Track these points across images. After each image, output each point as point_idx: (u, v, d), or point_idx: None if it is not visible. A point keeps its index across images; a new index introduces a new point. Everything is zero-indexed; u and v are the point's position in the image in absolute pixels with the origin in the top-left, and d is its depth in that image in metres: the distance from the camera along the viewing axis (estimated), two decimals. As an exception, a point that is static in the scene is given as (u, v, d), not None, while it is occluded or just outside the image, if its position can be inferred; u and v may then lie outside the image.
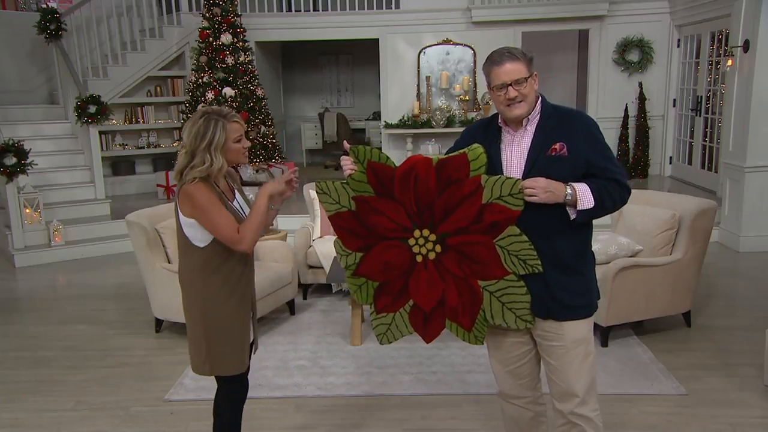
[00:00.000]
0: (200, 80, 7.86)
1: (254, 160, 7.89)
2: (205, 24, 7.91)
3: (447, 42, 9.12)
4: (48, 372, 4.01)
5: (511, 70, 2.12)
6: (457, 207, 2.17)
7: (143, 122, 9.10)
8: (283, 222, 6.24)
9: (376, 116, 10.85)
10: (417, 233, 2.25)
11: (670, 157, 8.90)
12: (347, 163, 2.26)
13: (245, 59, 8.01)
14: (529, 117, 2.19)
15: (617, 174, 2.18)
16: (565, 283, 2.20)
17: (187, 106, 8.06)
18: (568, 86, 10.52)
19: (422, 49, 9.14)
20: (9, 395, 3.70)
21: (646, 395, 3.46)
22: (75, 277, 6.13)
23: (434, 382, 3.68)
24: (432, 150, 8.40)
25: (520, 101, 2.14)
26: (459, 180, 2.15)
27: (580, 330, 2.25)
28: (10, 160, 6.33)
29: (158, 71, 8.96)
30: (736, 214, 6.26)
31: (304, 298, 5.14)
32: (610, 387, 3.53)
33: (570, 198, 2.11)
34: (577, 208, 2.12)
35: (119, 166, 9.04)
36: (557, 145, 2.14)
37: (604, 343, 4.05)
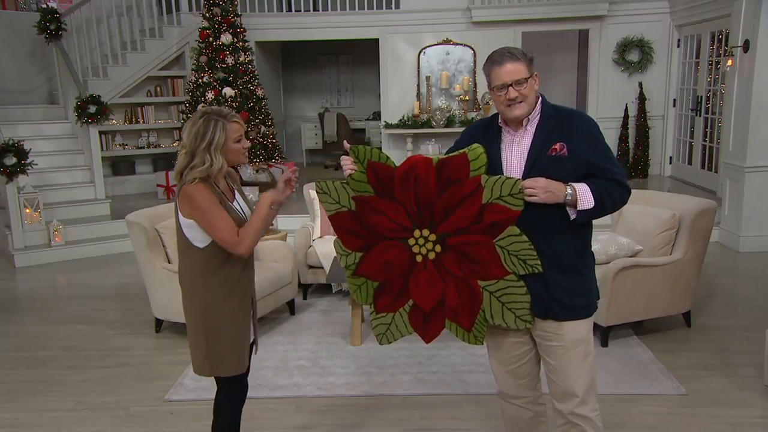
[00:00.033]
0: (200, 80, 7.86)
1: (254, 160, 7.89)
2: (205, 24, 7.91)
3: (447, 42, 9.12)
4: (48, 372, 4.01)
5: (512, 70, 2.12)
6: (457, 207, 2.17)
7: (143, 122, 9.10)
8: (283, 222, 6.24)
9: (376, 116, 10.85)
10: (417, 233, 2.25)
11: (670, 157, 8.90)
12: (347, 163, 2.26)
13: (245, 59, 8.02)
14: (530, 117, 2.19)
15: (617, 174, 2.18)
16: (564, 283, 2.20)
17: (187, 106, 8.06)
18: (568, 86, 10.52)
19: (422, 49, 9.14)
20: (9, 395, 3.70)
21: (646, 395, 3.46)
22: (75, 277, 6.13)
23: (434, 382, 3.68)
24: (432, 150, 8.40)
25: (521, 102, 2.14)
26: (459, 180, 2.15)
27: (579, 330, 2.26)
28: (10, 160, 6.33)
29: (158, 71, 8.96)
30: (736, 214, 6.26)
31: (304, 298, 5.14)
32: (610, 387, 3.53)
33: (570, 198, 2.11)
34: (577, 209, 2.12)
35: (119, 166, 9.04)
36: (557, 146, 2.14)
37: (604, 343, 4.05)
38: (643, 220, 4.34)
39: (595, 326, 3.72)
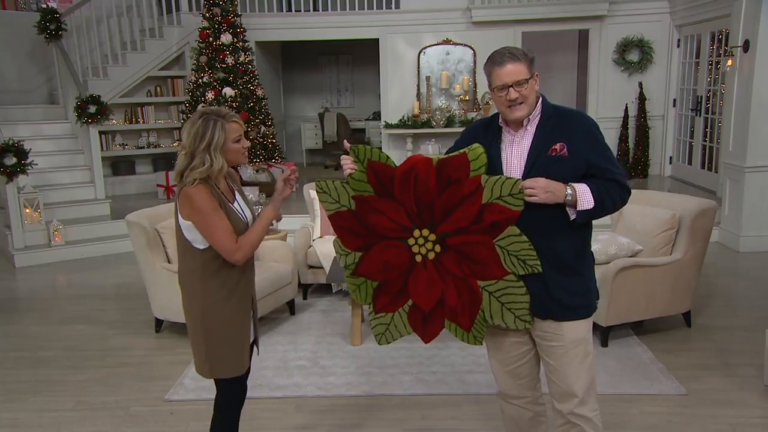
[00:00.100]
0: (200, 80, 7.87)
1: (254, 160, 7.90)
2: (205, 24, 7.92)
3: (447, 42, 9.12)
4: (48, 372, 4.01)
5: (513, 71, 2.12)
6: (457, 207, 2.17)
7: (143, 122, 9.10)
8: (283, 222, 6.20)
9: (376, 116, 10.85)
10: (417, 233, 2.25)
11: (670, 157, 8.90)
12: (347, 163, 2.26)
13: (245, 59, 8.02)
14: (530, 117, 2.19)
15: (617, 174, 2.18)
16: (564, 284, 2.20)
17: (187, 106, 8.06)
18: (568, 86, 10.52)
19: (422, 49, 9.15)
20: (9, 395, 3.70)
21: (646, 395, 3.46)
22: (75, 277, 6.13)
23: (434, 382, 3.68)
24: (432, 150, 8.40)
25: (521, 103, 2.14)
26: (459, 180, 2.15)
27: (579, 330, 2.25)
28: (10, 160, 6.33)
29: (158, 71, 8.96)
30: (736, 214, 6.26)
31: (304, 298, 5.14)
32: (610, 387, 3.53)
33: (570, 198, 2.11)
34: (577, 209, 2.12)
35: (119, 166, 9.04)
36: (557, 146, 2.14)
37: (604, 343, 4.05)
38: (643, 220, 4.34)
39: (595, 326, 3.73)
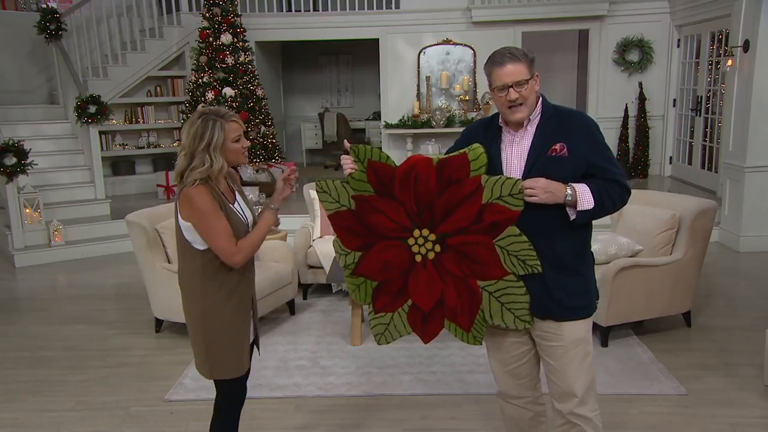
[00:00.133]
0: (200, 80, 7.87)
1: (254, 160, 7.89)
2: (205, 24, 7.91)
3: (447, 42, 9.12)
4: (48, 372, 4.01)
5: (513, 71, 2.12)
6: (458, 207, 2.17)
7: (143, 122, 9.10)
8: (283, 222, 6.17)
9: (376, 116, 10.85)
10: (416, 233, 2.25)
11: (670, 157, 8.90)
12: (347, 162, 2.26)
13: (245, 59, 8.02)
14: (530, 117, 2.19)
15: (617, 175, 2.18)
16: (564, 284, 2.20)
17: (187, 106, 8.06)
18: (568, 86, 10.52)
19: (422, 49, 9.14)
20: (9, 395, 3.70)
21: (646, 395, 3.46)
22: (75, 277, 6.13)
23: (434, 382, 3.68)
24: (432, 150, 8.40)
25: (521, 104, 2.14)
26: (459, 180, 2.15)
27: (578, 330, 2.25)
28: (10, 160, 6.33)
29: (158, 71, 8.96)
30: (736, 214, 6.26)
31: (304, 298, 5.14)
32: (610, 387, 3.53)
33: (570, 199, 2.11)
34: (577, 209, 2.12)
35: (119, 166, 9.04)
36: (557, 146, 2.14)
37: (604, 343, 4.05)
38: (643, 220, 4.34)
39: (595, 326, 3.73)
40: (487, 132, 2.27)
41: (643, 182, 8.43)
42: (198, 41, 8.07)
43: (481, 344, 2.34)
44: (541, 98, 2.22)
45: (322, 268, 4.97)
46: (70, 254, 6.72)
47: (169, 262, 4.34)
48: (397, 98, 9.32)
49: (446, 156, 2.20)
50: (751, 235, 6.18)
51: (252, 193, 5.99)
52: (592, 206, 2.12)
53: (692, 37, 8.29)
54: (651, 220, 4.29)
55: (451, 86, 9.15)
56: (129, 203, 7.74)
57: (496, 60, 2.15)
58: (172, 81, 9.25)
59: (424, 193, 2.19)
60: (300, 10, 9.70)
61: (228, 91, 7.74)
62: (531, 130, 2.20)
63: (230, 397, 2.53)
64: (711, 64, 7.78)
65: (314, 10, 9.57)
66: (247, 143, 2.44)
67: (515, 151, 2.20)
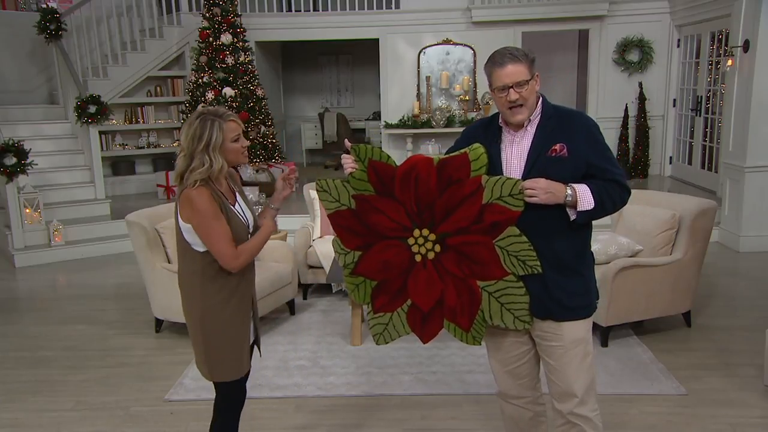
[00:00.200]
0: (200, 80, 7.87)
1: (254, 160, 7.89)
2: (205, 24, 7.92)
3: (447, 42, 9.12)
4: (48, 372, 4.01)
5: (513, 72, 2.11)
6: (458, 207, 2.17)
7: (143, 122, 9.10)
8: (283, 222, 6.23)
9: (376, 116, 10.85)
10: (416, 233, 2.25)
11: (670, 157, 8.90)
12: (348, 162, 2.26)
13: (245, 59, 8.02)
14: (530, 117, 2.19)
15: (617, 175, 2.18)
16: (564, 284, 2.20)
17: (187, 106, 8.06)
18: (568, 86, 10.52)
19: (422, 49, 9.14)
20: (9, 395, 3.70)
21: (646, 395, 3.46)
22: (75, 277, 6.13)
23: (434, 382, 3.68)
24: (432, 150, 8.41)
25: (521, 105, 2.14)
26: (460, 180, 2.15)
27: (578, 330, 2.25)
28: (10, 160, 6.33)
29: (158, 71, 8.96)
30: (736, 214, 6.26)
31: (304, 298, 5.14)
32: (610, 387, 3.53)
33: (570, 199, 2.11)
34: (577, 209, 2.12)
35: (119, 166, 9.04)
36: (557, 146, 2.14)
37: (604, 343, 4.05)
38: (643, 220, 4.34)
39: (595, 326, 3.73)
40: (487, 132, 2.26)
41: (643, 182, 8.43)
42: (198, 41, 8.07)
43: (481, 344, 2.34)
44: (541, 98, 2.22)
45: (322, 268, 4.97)
46: (70, 254, 6.72)
47: (169, 262, 4.34)
48: (397, 98, 9.32)
49: (447, 156, 2.20)
50: (751, 235, 6.18)
51: (252, 193, 5.99)
52: (592, 206, 2.12)
53: (692, 37, 8.29)
54: (651, 220, 4.29)
55: (451, 86, 9.15)
56: (129, 203, 7.74)
57: (496, 60, 2.15)
58: (172, 81, 9.25)
59: (424, 193, 2.19)
60: (300, 10, 9.70)
61: (228, 91, 7.74)
62: (531, 130, 2.20)
63: (230, 398, 2.53)
64: (711, 64, 7.78)
65: (314, 10, 9.58)
66: (247, 143, 2.43)
67: (515, 151, 2.20)
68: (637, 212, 4.38)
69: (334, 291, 5.29)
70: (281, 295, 4.65)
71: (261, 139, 8.01)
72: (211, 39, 7.86)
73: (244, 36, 8.12)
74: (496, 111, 2.26)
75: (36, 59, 8.57)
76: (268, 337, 4.38)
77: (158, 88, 9.21)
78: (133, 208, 4.72)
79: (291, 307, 4.84)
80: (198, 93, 7.85)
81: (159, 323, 4.56)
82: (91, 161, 7.59)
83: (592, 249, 2.34)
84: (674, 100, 8.74)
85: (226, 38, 7.82)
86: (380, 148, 2.26)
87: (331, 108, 11.67)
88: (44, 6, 8.02)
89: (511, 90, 2.12)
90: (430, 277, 2.26)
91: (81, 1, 8.20)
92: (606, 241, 4.23)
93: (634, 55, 8.75)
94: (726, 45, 7.01)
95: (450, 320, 2.30)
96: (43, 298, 5.61)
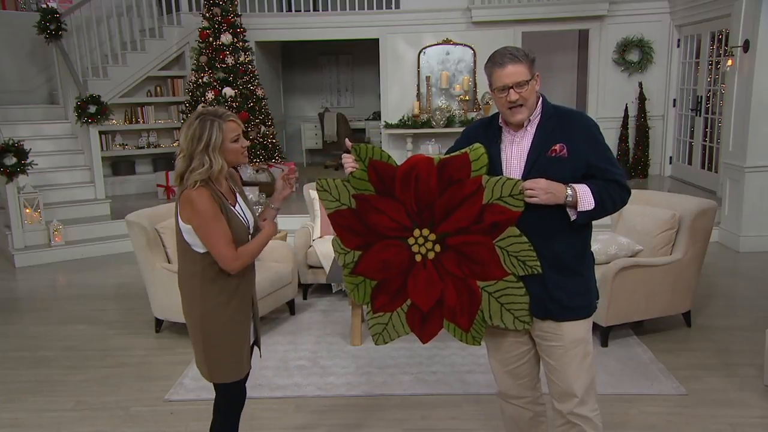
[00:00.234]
0: (200, 80, 7.87)
1: (254, 160, 7.89)
2: (205, 24, 7.92)
3: (447, 42, 9.12)
4: (48, 372, 4.01)
5: (513, 72, 2.11)
6: (458, 207, 2.17)
7: (143, 122, 9.10)
8: (283, 222, 6.23)
9: (376, 116, 10.85)
10: (417, 232, 2.25)
11: (670, 157, 8.90)
12: (349, 161, 2.26)
13: (245, 59, 8.02)
14: (530, 117, 2.19)
15: (617, 175, 2.18)
16: (563, 284, 2.20)
17: (187, 106, 8.06)
18: (568, 86, 10.52)
19: (422, 49, 9.15)
20: (9, 395, 3.70)
21: (646, 395, 3.46)
22: (75, 277, 6.13)
23: (434, 382, 3.68)
24: (432, 150, 8.41)
25: (521, 105, 2.13)
26: (460, 180, 2.15)
27: (578, 330, 2.25)
28: (10, 160, 6.33)
29: (158, 71, 8.96)
30: (736, 214, 6.26)
31: (304, 298, 5.14)
32: (610, 387, 3.53)
33: (570, 199, 2.11)
34: (578, 210, 2.12)
35: (119, 166, 9.04)
36: (557, 147, 2.14)
37: (604, 343, 4.05)
38: (643, 220, 4.34)
39: (595, 326, 3.73)
40: (487, 132, 2.26)
41: (643, 182, 8.43)
42: (198, 41, 8.07)
43: (480, 344, 2.34)
44: (541, 98, 2.22)
45: (322, 268, 4.97)
46: (70, 254, 6.72)
47: (169, 262, 4.34)
48: (397, 98, 9.32)
49: (447, 156, 2.20)
50: (751, 235, 6.18)
51: (252, 193, 5.99)
52: (592, 207, 2.12)
53: (692, 37, 8.29)
54: (651, 220, 4.29)
55: (451, 86, 9.15)
56: (129, 203, 7.74)
57: (496, 60, 2.14)
58: (172, 81, 9.25)
59: (424, 193, 2.19)
60: (300, 10, 9.70)
61: (228, 91, 7.74)
62: (531, 130, 2.20)
63: (230, 399, 2.52)
64: (711, 64, 7.78)
65: (314, 10, 9.58)
66: (247, 143, 2.42)
67: (515, 151, 2.20)
68: (637, 212, 4.38)
69: (334, 291, 5.29)
70: (281, 295, 4.65)
71: (261, 139, 8.01)
72: (211, 39, 7.86)
73: (244, 36, 8.12)
74: (496, 111, 2.26)
75: (36, 59, 8.57)
76: (268, 337, 4.38)
77: (158, 88, 9.21)
78: (133, 208, 4.72)
79: (291, 307, 4.84)
80: (198, 93, 7.85)
81: (159, 323, 4.56)
82: (91, 161, 7.59)
83: (592, 249, 2.34)
84: (674, 100, 8.74)
85: (226, 38, 7.82)
86: (380, 147, 2.26)
87: (331, 108, 11.67)
88: (44, 6, 8.02)
89: (511, 90, 2.11)
90: (430, 277, 2.26)
91: (81, 1, 8.20)
92: (606, 241, 4.23)
93: (634, 55, 8.75)
94: (726, 45, 7.01)
95: (450, 320, 2.30)
96: (43, 298, 5.61)
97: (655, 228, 4.23)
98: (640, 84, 8.72)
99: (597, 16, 8.70)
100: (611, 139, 8.63)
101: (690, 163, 8.40)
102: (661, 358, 3.88)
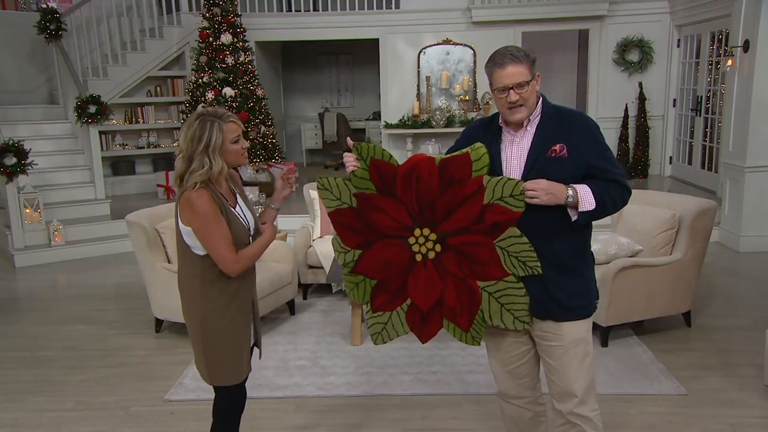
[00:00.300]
0: (200, 80, 7.87)
1: (254, 160, 7.89)
2: (205, 24, 7.92)
3: (447, 42, 9.12)
4: (48, 372, 4.01)
5: (513, 73, 2.11)
6: (459, 207, 2.17)
7: (143, 122, 9.10)
8: (283, 222, 6.23)
9: (376, 116, 10.86)
10: (417, 232, 2.25)
11: (670, 157, 8.90)
12: (350, 160, 2.25)
13: (245, 59, 8.02)
14: (530, 117, 2.19)
15: (617, 175, 2.18)
16: (563, 284, 2.19)
17: (187, 106, 8.06)
18: (568, 86, 10.52)
19: (422, 49, 9.15)
20: (9, 395, 3.70)
21: (646, 395, 3.46)
22: (75, 277, 6.13)
23: (434, 382, 3.68)
24: (432, 150, 8.41)
25: (521, 105, 2.13)
26: (461, 180, 2.15)
27: (578, 330, 2.25)
28: (10, 160, 6.33)
29: (158, 71, 8.96)
30: (736, 214, 6.26)
31: (304, 298, 5.14)
32: (610, 387, 3.53)
33: (571, 200, 2.11)
34: (579, 210, 2.12)
35: (119, 166, 9.04)
36: (557, 147, 2.14)
37: (604, 343, 4.05)
38: (643, 220, 4.34)
39: (595, 326, 3.73)
40: (487, 132, 2.26)
41: (643, 182, 8.43)
42: (198, 41, 8.07)
43: (480, 344, 2.34)
44: (541, 98, 2.22)
45: (322, 268, 4.97)
46: (70, 254, 6.72)
47: (169, 262, 4.34)
48: (397, 98, 9.32)
49: (449, 155, 2.20)
50: (751, 235, 6.18)
51: (252, 193, 5.99)
52: (593, 207, 2.12)
53: (692, 37, 8.29)
54: (651, 220, 4.29)
55: (451, 86, 9.15)
56: (129, 203, 7.74)
57: (497, 61, 2.14)
58: (172, 81, 9.25)
59: (426, 193, 2.18)
60: (300, 10, 9.70)
61: (228, 91, 7.74)
62: (531, 130, 2.20)
63: (230, 402, 2.51)
64: (711, 64, 7.78)
65: (314, 10, 9.58)
66: (247, 144, 2.40)
67: (515, 151, 2.20)
68: (637, 212, 4.38)
69: (334, 291, 5.29)
70: (281, 295, 4.65)
71: (261, 139, 8.01)
72: (211, 39, 7.86)
73: (244, 36, 8.12)
74: (496, 111, 2.26)
75: (36, 59, 8.57)
76: (268, 337, 4.38)
77: (158, 88, 9.21)
78: (133, 208, 4.72)
79: (291, 307, 4.84)
80: (198, 93, 7.85)
81: (159, 323, 4.55)
82: (91, 161, 7.59)
83: (592, 249, 2.34)
84: (674, 100, 8.74)
85: (226, 38, 7.82)
86: (382, 147, 2.26)
87: (331, 108, 11.67)
88: (44, 6, 8.02)
89: (512, 91, 2.11)
90: (430, 276, 2.26)
91: (81, 1, 8.20)
92: (606, 241, 4.23)
93: (634, 55, 8.75)
94: (726, 45, 7.01)
95: (449, 320, 2.30)
96: (43, 298, 5.61)
97: (655, 228, 4.23)
98: (640, 84, 8.72)
99: (597, 16, 8.70)
100: (611, 139, 8.63)
101: (690, 163, 8.40)
102: (661, 358, 3.88)
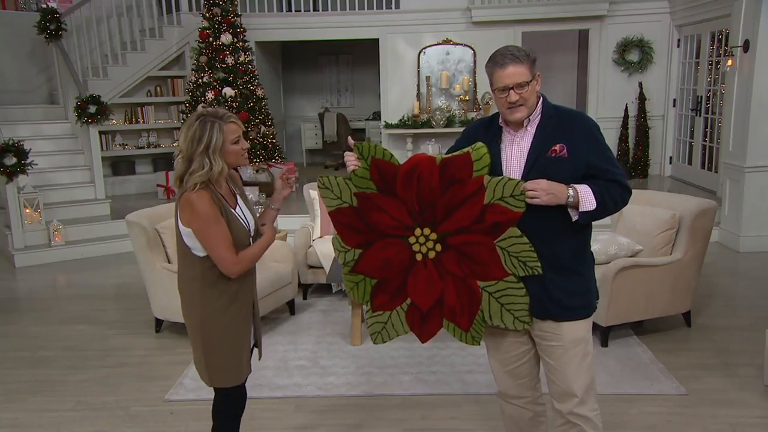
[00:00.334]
0: (200, 80, 7.87)
1: (254, 160, 7.90)
2: (205, 24, 7.92)
3: (447, 42, 9.12)
4: (48, 372, 4.01)
5: (513, 73, 2.10)
6: (460, 206, 2.17)
7: (143, 122, 9.10)
8: (283, 222, 6.23)
9: (376, 116, 10.86)
10: (418, 231, 2.25)
11: (670, 157, 8.90)
12: (351, 159, 2.25)
13: (245, 59, 8.02)
14: (530, 117, 2.19)
15: (618, 175, 2.18)
16: (563, 284, 2.19)
17: (187, 106, 8.07)
18: (568, 86, 10.52)
19: (422, 49, 9.15)
20: (9, 395, 3.70)
21: (646, 395, 3.46)
22: (75, 277, 6.13)
23: (434, 382, 3.68)
24: (432, 150, 8.40)
25: (521, 105, 2.13)
26: (462, 180, 2.15)
27: (578, 330, 2.25)
28: (10, 160, 6.33)
29: (158, 71, 8.96)
30: (736, 214, 6.26)
31: (304, 298, 5.14)
32: (610, 387, 3.53)
33: (572, 200, 2.11)
34: (579, 210, 2.12)
35: (119, 166, 9.04)
36: (557, 147, 2.14)
37: (604, 343, 4.05)
38: (643, 220, 4.34)
39: (595, 326, 3.73)
40: (488, 132, 2.26)
41: (643, 182, 8.43)
42: (198, 41, 8.07)
43: (480, 344, 2.34)
44: (541, 98, 2.22)
45: (322, 268, 4.97)
46: (70, 254, 6.72)
47: (169, 262, 4.34)
48: (397, 98, 9.32)
49: (449, 155, 2.20)
50: (751, 235, 6.18)
51: (252, 193, 5.99)
52: (594, 207, 2.12)
53: (692, 37, 8.29)
54: (651, 220, 4.29)
55: (451, 86, 9.15)
56: (129, 203, 7.74)
57: (497, 61, 2.14)
58: (172, 81, 9.25)
59: (426, 192, 2.18)
60: (300, 10, 9.70)
61: (228, 91, 7.74)
62: (531, 130, 2.20)
63: (230, 403, 2.51)
64: (711, 64, 7.78)
65: (314, 10, 9.58)
66: (247, 144, 2.40)
67: (515, 151, 2.20)
68: (637, 212, 4.38)
69: (334, 291, 5.29)
70: (281, 295, 4.65)
71: (261, 139, 8.01)
72: (211, 39, 7.86)
73: (244, 36, 8.13)
74: (497, 111, 2.26)
75: (36, 59, 8.57)
76: (268, 337, 4.38)
77: (158, 88, 9.21)
78: (133, 208, 4.72)
79: (291, 307, 4.84)
80: (198, 93, 7.85)
81: (159, 323, 4.55)
82: (91, 161, 7.59)
83: (592, 249, 2.34)
84: (674, 100, 8.74)
85: (226, 38, 7.83)
86: (383, 146, 2.26)
87: (331, 108, 11.67)
88: (44, 6, 8.02)
89: (512, 91, 2.11)
90: (431, 276, 2.26)
91: (81, 1, 8.20)
92: (606, 241, 4.23)
93: (634, 55, 8.75)
94: (726, 45, 7.01)
95: (449, 320, 2.30)
96: (43, 298, 5.61)
97: (655, 228, 4.23)
98: (640, 84, 8.72)
99: (597, 16, 8.70)
100: (611, 139, 8.63)
101: (690, 163, 8.41)
102: (661, 358, 3.88)
